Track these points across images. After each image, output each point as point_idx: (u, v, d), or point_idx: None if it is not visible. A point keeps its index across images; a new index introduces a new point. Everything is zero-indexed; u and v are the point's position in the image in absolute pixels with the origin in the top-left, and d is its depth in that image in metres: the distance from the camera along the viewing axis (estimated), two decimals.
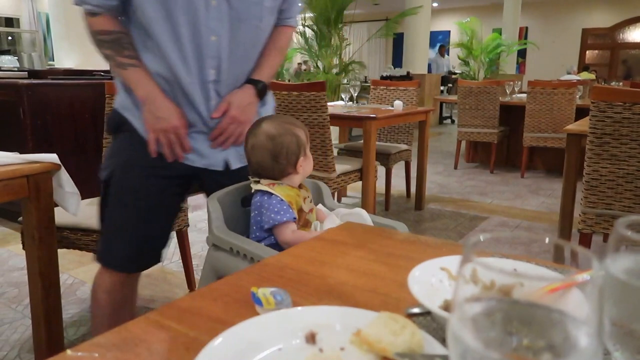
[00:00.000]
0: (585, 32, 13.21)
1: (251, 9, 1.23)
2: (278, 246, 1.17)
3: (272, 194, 1.19)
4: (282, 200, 1.18)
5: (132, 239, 1.30)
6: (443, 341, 0.51)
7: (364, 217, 1.17)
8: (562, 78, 7.84)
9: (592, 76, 9.42)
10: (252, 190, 1.24)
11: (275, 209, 1.17)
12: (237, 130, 1.29)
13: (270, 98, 1.44)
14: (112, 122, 1.33)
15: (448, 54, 11.89)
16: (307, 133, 1.27)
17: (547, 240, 0.38)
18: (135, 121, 1.28)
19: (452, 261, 0.64)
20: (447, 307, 0.56)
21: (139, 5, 1.17)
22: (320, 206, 1.31)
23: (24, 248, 1.54)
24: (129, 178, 1.28)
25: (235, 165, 1.33)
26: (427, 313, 0.60)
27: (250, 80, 1.31)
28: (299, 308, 0.57)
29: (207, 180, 1.34)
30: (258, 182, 1.23)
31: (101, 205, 1.33)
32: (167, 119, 1.22)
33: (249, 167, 1.28)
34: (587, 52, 13.41)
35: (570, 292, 0.33)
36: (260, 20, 1.26)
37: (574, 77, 7.98)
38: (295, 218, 1.18)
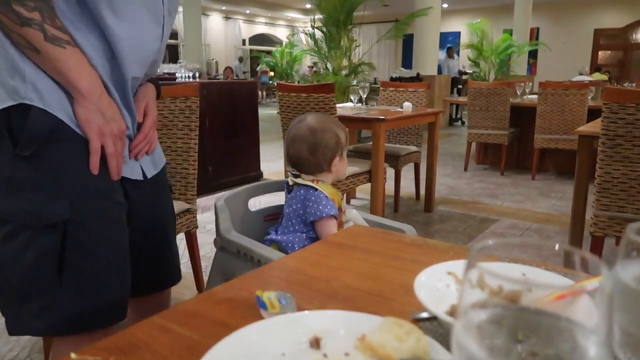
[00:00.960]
0: (598, 33, 13.08)
1: (174, 1, 1.04)
2: (315, 240, 1.18)
3: (317, 189, 1.22)
4: (327, 196, 1.21)
5: (123, 277, 0.98)
6: (449, 347, 0.50)
7: (358, 217, 1.18)
8: (574, 79, 7.76)
9: (605, 77, 9.32)
10: (291, 183, 1.27)
11: (323, 202, 1.20)
12: (154, 135, 1.07)
13: None
14: (37, 128, 0.85)
15: (458, 55, 11.83)
16: (348, 136, 1.29)
17: (556, 247, 0.37)
18: (74, 124, 0.89)
19: (459, 265, 0.63)
20: (453, 312, 0.55)
21: None
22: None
23: None
24: (98, 206, 0.93)
25: (150, 173, 1.07)
26: (433, 318, 0.59)
27: (150, 79, 1.09)
28: (304, 312, 0.56)
29: (130, 193, 1.02)
30: (298, 176, 1.27)
31: (60, 254, 0.88)
32: (117, 121, 0.92)
33: (287, 158, 1.30)
34: (600, 52, 13.28)
35: (578, 299, 0.32)
36: (175, 14, 1.07)
37: (586, 78, 7.90)
38: (338, 214, 1.21)
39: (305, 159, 1.26)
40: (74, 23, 0.87)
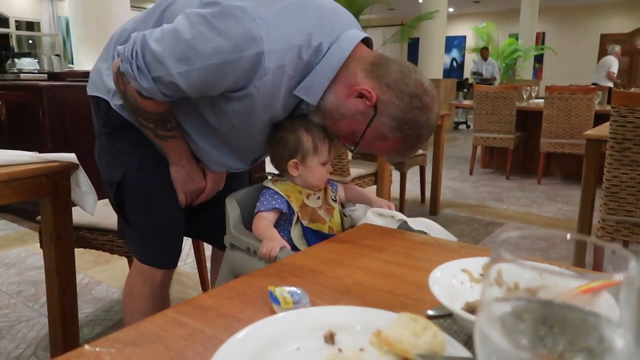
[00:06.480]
0: (604, 38, 13.03)
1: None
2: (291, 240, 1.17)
3: (268, 188, 1.21)
4: (274, 193, 1.18)
5: (168, 240, 1.31)
6: (465, 343, 0.50)
7: (435, 229, 1.12)
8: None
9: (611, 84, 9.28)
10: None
11: (261, 199, 1.19)
12: (214, 192, 1.34)
13: None
14: (112, 122, 1.25)
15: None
16: (322, 146, 1.18)
17: (568, 236, 0.37)
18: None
19: (473, 263, 0.63)
20: (468, 309, 0.54)
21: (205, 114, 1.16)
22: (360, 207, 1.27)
23: (41, 247, 1.56)
24: (148, 179, 1.24)
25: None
26: (447, 315, 0.59)
27: None
28: (318, 307, 0.56)
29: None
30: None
31: (119, 206, 1.27)
32: (197, 182, 1.28)
33: None
34: None
35: (599, 294, 0.32)
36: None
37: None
38: (275, 208, 1.17)
39: (269, 152, 1.24)
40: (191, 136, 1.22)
